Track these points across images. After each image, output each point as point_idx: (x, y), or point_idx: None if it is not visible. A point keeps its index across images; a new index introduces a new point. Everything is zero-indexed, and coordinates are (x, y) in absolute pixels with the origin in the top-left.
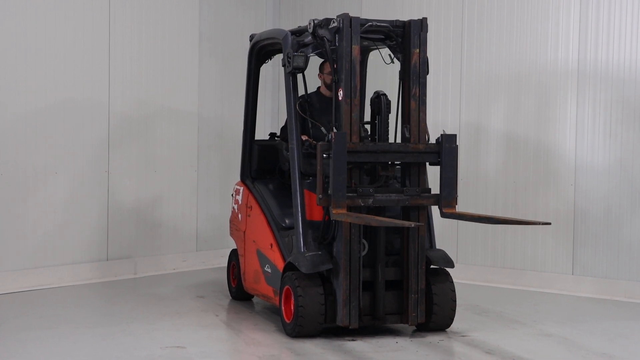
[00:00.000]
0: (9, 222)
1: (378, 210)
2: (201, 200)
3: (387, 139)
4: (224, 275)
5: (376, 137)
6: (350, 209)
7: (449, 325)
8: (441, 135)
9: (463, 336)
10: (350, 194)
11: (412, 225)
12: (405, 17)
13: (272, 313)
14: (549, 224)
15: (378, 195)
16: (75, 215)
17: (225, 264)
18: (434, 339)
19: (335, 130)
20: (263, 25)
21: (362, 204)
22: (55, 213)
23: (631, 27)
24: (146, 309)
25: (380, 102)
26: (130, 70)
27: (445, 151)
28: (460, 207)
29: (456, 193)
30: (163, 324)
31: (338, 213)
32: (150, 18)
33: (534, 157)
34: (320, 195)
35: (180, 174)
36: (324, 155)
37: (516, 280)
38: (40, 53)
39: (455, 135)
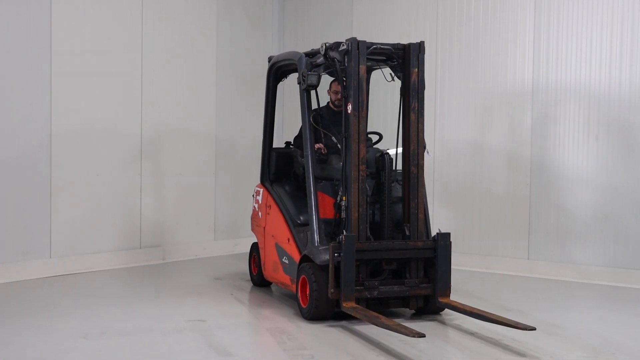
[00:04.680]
0: (62, 215)
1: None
2: (218, 200)
3: (391, 193)
4: (238, 260)
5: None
6: (357, 300)
7: (443, 309)
8: (437, 233)
9: (450, 317)
10: (358, 287)
11: (415, 336)
12: (389, 40)
13: (286, 297)
14: (534, 329)
15: (382, 287)
16: (114, 211)
17: (239, 252)
18: (429, 321)
19: (345, 138)
20: (270, 49)
21: (369, 296)
22: (100, 209)
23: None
24: (173, 289)
25: (384, 159)
26: (159, 95)
27: (441, 248)
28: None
29: (450, 284)
30: (187, 301)
31: (348, 307)
32: (177, 47)
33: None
34: (332, 290)
35: (201, 179)
36: (335, 254)
37: (482, 263)
38: (90, 83)
39: (449, 234)
